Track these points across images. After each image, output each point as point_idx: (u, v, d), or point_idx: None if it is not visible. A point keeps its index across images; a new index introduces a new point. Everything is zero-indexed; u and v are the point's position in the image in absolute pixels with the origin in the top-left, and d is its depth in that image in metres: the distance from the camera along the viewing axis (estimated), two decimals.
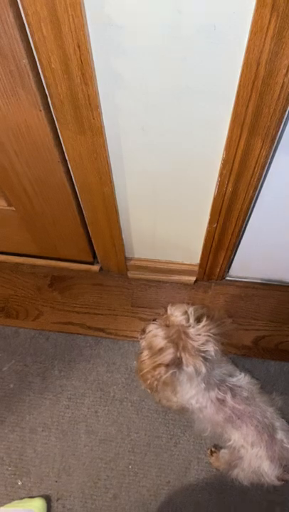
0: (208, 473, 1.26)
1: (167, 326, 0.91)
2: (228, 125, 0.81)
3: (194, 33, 0.66)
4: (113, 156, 0.94)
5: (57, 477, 1.27)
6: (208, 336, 0.89)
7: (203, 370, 0.88)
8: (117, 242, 1.31)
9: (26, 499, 1.24)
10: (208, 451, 1.27)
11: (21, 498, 1.24)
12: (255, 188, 0.97)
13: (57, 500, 1.24)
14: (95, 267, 1.55)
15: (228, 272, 1.45)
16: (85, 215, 1.18)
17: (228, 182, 0.95)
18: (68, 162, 0.97)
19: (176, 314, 0.92)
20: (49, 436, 1.31)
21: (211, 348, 0.89)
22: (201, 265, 1.38)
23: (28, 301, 1.52)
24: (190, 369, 0.88)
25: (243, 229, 1.17)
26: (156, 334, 0.90)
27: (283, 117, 0.78)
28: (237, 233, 1.16)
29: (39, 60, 0.71)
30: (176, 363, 0.89)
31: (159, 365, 0.89)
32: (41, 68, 0.73)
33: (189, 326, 0.90)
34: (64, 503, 1.24)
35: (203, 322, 0.90)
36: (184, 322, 0.90)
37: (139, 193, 1.08)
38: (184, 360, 0.88)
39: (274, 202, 1.05)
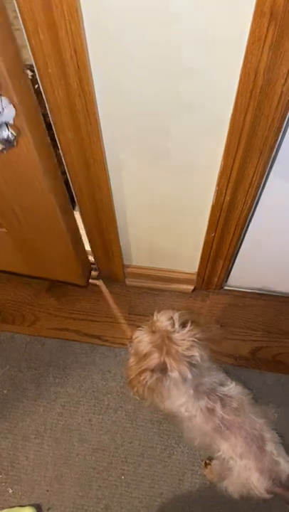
0: (202, 486, 1.24)
1: (153, 331, 0.90)
2: (226, 134, 0.80)
3: (192, 42, 0.66)
4: (110, 164, 0.93)
5: (48, 486, 1.25)
6: (193, 340, 0.88)
7: (189, 375, 0.87)
8: (114, 249, 1.30)
9: (17, 508, 1.22)
10: (203, 463, 1.25)
11: (11, 507, 1.22)
12: (254, 197, 0.96)
13: (47, 510, 1.22)
14: (93, 273, 1.54)
15: (226, 281, 1.44)
16: (82, 221, 1.18)
17: (225, 191, 0.95)
18: (66, 168, 0.96)
19: (162, 320, 0.91)
20: (42, 444, 1.30)
21: (196, 353, 0.87)
22: (199, 274, 1.37)
23: (24, 307, 1.51)
24: (175, 374, 0.87)
25: (241, 238, 1.16)
26: (141, 340, 0.90)
27: (282, 127, 0.77)
28: (235, 242, 1.15)
29: (36, 65, 0.71)
30: (161, 368, 0.88)
31: (145, 370, 0.88)
32: (38, 73, 0.73)
33: (174, 331, 0.89)
34: None
35: (188, 327, 0.89)
36: (169, 327, 0.89)
37: (137, 201, 1.07)
38: (168, 365, 0.86)
39: (272, 212, 1.04)
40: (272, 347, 1.42)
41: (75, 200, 1.10)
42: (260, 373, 1.39)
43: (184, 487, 1.24)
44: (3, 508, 1.22)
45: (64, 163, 0.95)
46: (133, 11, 0.63)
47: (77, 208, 1.40)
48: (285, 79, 0.67)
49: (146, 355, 0.88)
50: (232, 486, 1.00)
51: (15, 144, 0.80)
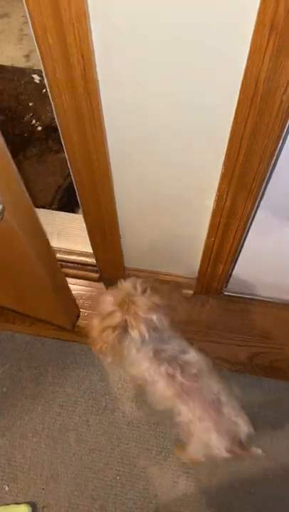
0: (197, 489, 1.25)
1: (117, 294, 0.97)
2: (227, 140, 0.82)
3: (194, 49, 0.68)
4: (114, 166, 0.96)
5: (44, 484, 1.26)
6: (153, 304, 0.93)
7: (147, 336, 0.93)
8: (116, 251, 1.32)
9: (12, 505, 1.23)
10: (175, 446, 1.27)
11: (7, 504, 1.23)
12: (253, 203, 0.98)
13: (42, 508, 1.23)
14: (94, 275, 1.56)
15: (226, 286, 1.45)
16: (84, 223, 1.20)
17: (226, 197, 0.97)
18: (70, 170, 0.98)
19: (126, 284, 0.98)
20: (39, 443, 1.31)
21: (154, 317, 0.93)
22: (199, 278, 1.38)
23: None
24: (134, 333, 0.92)
25: (241, 244, 1.18)
26: (105, 300, 0.96)
27: (282, 134, 0.79)
28: (235, 248, 1.17)
29: (44, 69, 0.73)
30: (123, 326, 0.93)
31: (107, 327, 0.94)
32: (46, 78, 0.75)
33: (136, 294, 0.95)
34: None
35: (149, 292, 0.95)
36: (131, 291, 0.95)
37: (139, 203, 1.09)
38: (128, 323, 0.92)
39: (273, 217, 1.06)
40: (270, 353, 1.43)
41: (79, 202, 1.12)
42: (257, 379, 1.40)
43: (179, 490, 1.25)
44: None
45: (69, 166, 0.97)
46: (139, 19, 0.65)
47: (80, 210, 1.43)
48: (285, 88, 0.69)
49: (108, 314, 0.95)
50: (194, 448, 1.04)
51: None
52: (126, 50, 0.70)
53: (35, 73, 2.02)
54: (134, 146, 0.90)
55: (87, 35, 0.66)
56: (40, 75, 2.01)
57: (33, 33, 0.68)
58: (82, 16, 0.64)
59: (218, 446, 0.98)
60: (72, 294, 1.41)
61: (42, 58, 0.72)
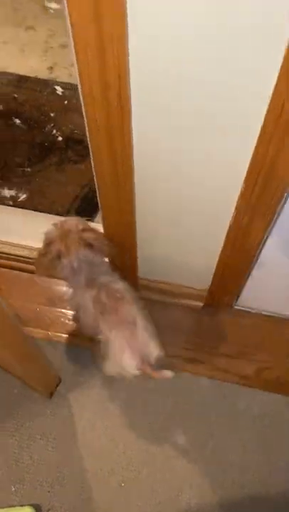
0: (201, 499, 1.26)
1: (60, 228, 1.16)
2: (249, 161, 0.86)
3: (227, 75, 0.72)
4: (138, 181, 1.00)
5: (50, 487, 1.28)
6: (86, 241, 1.13)
7: (75, 265, 1.13)
8: (131, 260, 1.35)
9: (17, 507, 1.25)
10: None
11: (12, 506, 1.25)
12: (270, 221, 1.01)
13: (47, 511, 1.25)
14: None
15: (236, 300, 1.48)
16: (103, 229, 1.23)
17: (243, 214, 1.00)
18: (96, 182, 1.03)
19: (69, 222, 1.17)
20: (46, 446, 1.33)
21: (88, 251, 1.14)
22: (210, 291, 1.41)
23: (40, 310, 1.56)
24: (65, 261, 1.13)
25: (255, 260, 1.21)
26: (49, 232, 1.16)
27: None
28: (249, 264, 1.20)
29: (82, 86, 0.77)
30: (58, 254, 1.13)
31: (46, 254, 1.15)
32: (82, 93, 0.79)
33: (74, 231, 1.14)
34: None
35: (89, 233, 1.14)
36: (73, 228, 1.14)
37: (159, 217, 1.13)
38: (61, 253, 1.13)
39: (287, 236, 1.09)
40: (277, 368, 1.46)
41: (100, 211, 1.16)
42: (263, 393, 1.42)
43: (183, 499, 1.26)
44: (3, 507, 1.25)
45: (95, 178, 1.01)
46: (176, 46, 0.70)
47: (97, 218, 1.47)
48: None
49: (49, 244, 1.15)
50: (110, 365, 1.17)
51: None
52: (161, 73, 0.75)
53: (58, 85, 2.08)
54: (159, 163, 0.94)
55: (126, 58, 0.71)
56: (63, 87, 2.07)
57: (73, 48, 0.72)
58: (122, 37, 0.68)
59: (130, 364, 1.12)
60: (46, 364, 1.38)
61: (79, 73, 0.76)
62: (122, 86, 0.75)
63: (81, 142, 1.89)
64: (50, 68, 2.16)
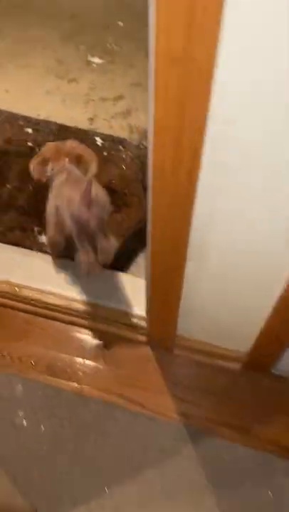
0: None
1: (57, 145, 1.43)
2: None
3: None
4: (192, 251, 1.01)
5: None
6: (78, 152, 1.43)
7: (64, 177, 1.37)
8: (171, 317, 1.34)
9: None
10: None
11: None
12: None
13: None
14: (141, 338, 1.58)
15: (275, 365, 1.45)
16: (151, 288, 1.22)
17: None
18: (149, 247, 1.03)
19: (68, 143, 1.44)
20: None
21: (74, 167, 1.40)
22: (250, 354, 1.38)
23: (72, 363, 1.55)
24: (50, 166, 1.40)
25: None
26: (48, 145, 1.45)
27: None
28: None
29: (154, 162, 0.79)
30: (46, 162, 1.41)
31: (38, 156, 1.42)
32: (153, 169, 0.80)
33: (68, 146, 1.43)
34: None
35: (81, 148, 1.45)
36: (70, 149, 1.42)
37: (208, 288, 1.13)
38: (50, 161, 1.40)
39: None
40: None
41: (149, 266, 1.15)
42: None
43: None
44: None
45: (149, 244, 1.02)
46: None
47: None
48: None
49: (44, 154, 1.42)
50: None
51: None
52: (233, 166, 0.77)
53: (97, 136, 2.14)
54: (217, 237, 0.95)
55: (201, 143, 0.72)
56: (103, 138, 2.13)
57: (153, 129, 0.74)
58: (201, 125, 0.70)
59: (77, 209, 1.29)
60: None
61: (154, 150, 0.77)
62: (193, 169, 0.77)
63: (117, 192, 1.92)
64: (91, 119, 2.22)
